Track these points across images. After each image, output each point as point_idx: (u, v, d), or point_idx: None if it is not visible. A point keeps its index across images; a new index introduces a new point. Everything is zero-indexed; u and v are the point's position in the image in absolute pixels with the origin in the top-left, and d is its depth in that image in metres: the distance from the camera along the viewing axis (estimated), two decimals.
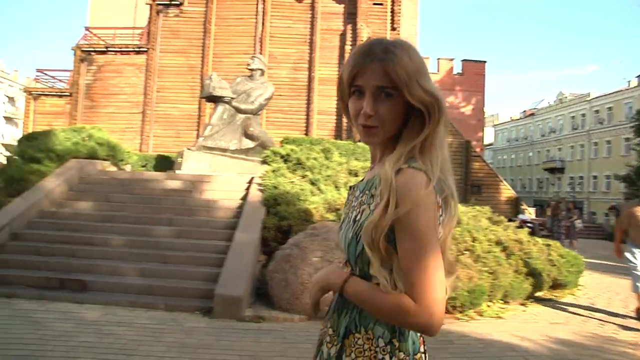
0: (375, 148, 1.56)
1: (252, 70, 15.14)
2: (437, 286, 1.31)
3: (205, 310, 6.76)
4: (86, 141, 11.75)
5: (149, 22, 30.20)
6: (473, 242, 8.63)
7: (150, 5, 29.74)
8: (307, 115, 26.59)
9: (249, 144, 14.66)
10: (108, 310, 6.66)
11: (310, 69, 27.11)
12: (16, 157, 10.93)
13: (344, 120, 25.58)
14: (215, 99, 14.52)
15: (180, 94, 29.49)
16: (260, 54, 28.95)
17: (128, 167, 12.96)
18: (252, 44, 28.60)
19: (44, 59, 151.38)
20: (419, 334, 1.47)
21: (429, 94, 1.40)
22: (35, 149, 10.99)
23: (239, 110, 14.42)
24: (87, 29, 31.92)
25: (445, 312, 6.96)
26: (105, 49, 30.44)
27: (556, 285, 9.27)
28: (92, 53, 30.50)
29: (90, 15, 39.78)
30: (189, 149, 13.98)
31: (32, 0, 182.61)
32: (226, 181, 10.96)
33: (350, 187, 1.61)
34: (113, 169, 12.13)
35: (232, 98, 14.30)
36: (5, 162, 12.47)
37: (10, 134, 69.16)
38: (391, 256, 1.37)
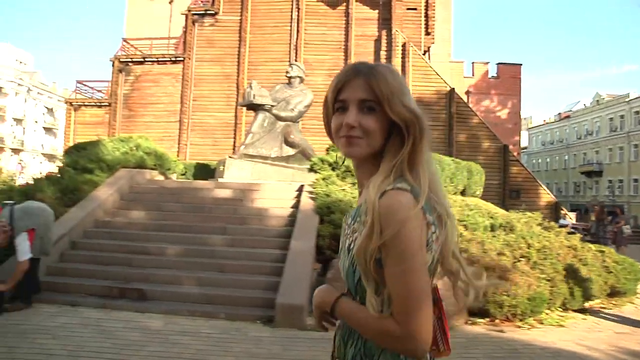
0: (361, 172, 1.53)
1: (290, 77, 15.17)
2: (422, 311, 1.30)
3: (266, 319, 6.75)
4: (134, 151, 11.90)
5: (185, 32, 30.54)
6: (528, 248, 8.49)
7: (186, 15, 30.08)
8: None
9: (290, 151, 14.71)
10: (169, 320, 6.70)
11: None
12: (68, 168, 11.11)
13: None
14: (255, 107, 14.57)
15: (216, 102, 29.76)
16: (296, 61, 29.12)
17: (174, 176, 13.08)
18: (287, 51, 28.72)
19: (81, 71, 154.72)
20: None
21: (409, 110, 1.41)
22: (86, 159, 11.16)
23: (279, 118, 14.46)
24: (124, 40, 32.42)
25: (505, 320, 6.77)
26: (142, 59, 30.89)
27: (614, 293, 9.02)
28: (130, 63, 30.98)
29: (127, 27, 40.40)
30: (230, 157, 14.08)
31: (69, 15, 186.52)
32: (275, 189, 10.98)
33: (345, 215, 1.58)
34: (160, 178, 12.25)
35: (272, 106, 14.35)
36: (55, 171, 12.61)
37: (49, 144, 70.71)
38: (384, 281, 1.35)
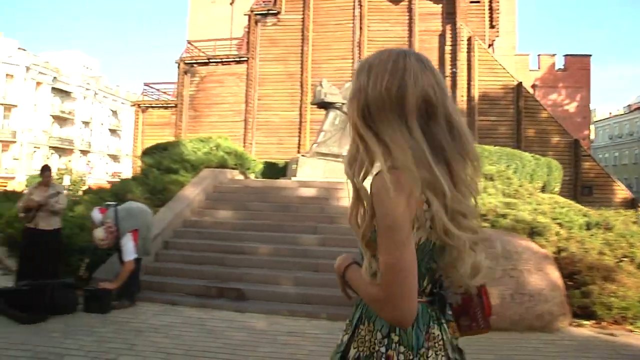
0: None
1: None
2: (404, 282, 1.34)
3: None
4: (215, 151, 12.05)
5: (248, 32, 30.83)
6: (631, 248, 8.13)
7: (249, 15, 30.35)
8: None
9: None
10: (271, 320, 6.71)
11: None
12: (152, 168, 11.34)
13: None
14: (326, 105, 14.54)
15: (280, 101, 29.93)
16: (359, 58, 29.00)
17: (252, 176, 13.18)
18: (350, 48, 28.64)
19: (146, 73, 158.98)
20: (423, 328, 1.48)
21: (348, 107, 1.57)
22: (169, 159, 11.38)
23: None
24: (189, 42, 33.01)
25: (614, 323, 6.46)
26: (207, 61, 31.38)
27: None
28: (195, 65, 31.51)
29: (190, 29, 41.10)
30: (303, 155, 14.09)
31: (133, 20, 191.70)
32: None
33: None
34: (240, 177, 12.37)
35: (342, 104, 14.28)
36: (117, 173, 12.91)
37: (114, 145, 72.92)
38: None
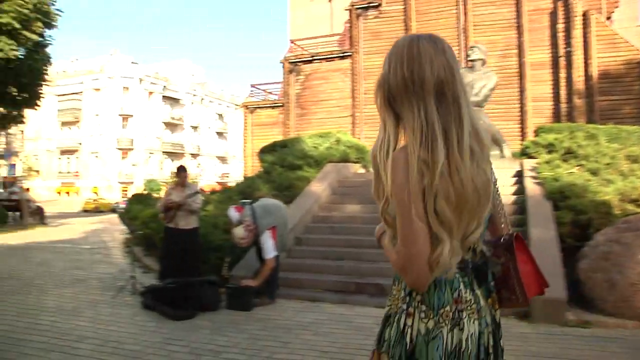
0: None
1: (472, 61, 14.52)
2: (411, 249, 1.45)
3: (521, 314, 6.26)
4: (335, 145, 11.94)
5: (350, 27, 30.69)
6: None
7: (350, 10, 30.20)
8: (521, 103, 25.16)
9: None
10: None
11: (520, 55, 25.57)
12: (275, 165, 11.39)
13: (563, 105, 23.81)
14: None
15: None
16: (465, 44, 28.05)
17: (371, 169, 12.99)
18: (456, 35, 27.76)
19: (250, 75, 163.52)
20: (449, 291, 1.55)
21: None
22: (293, 156, 11.38)
23: None
24: (292, 41, 33.36)
25: None
26: (310, 58, 31.58)
27: None
28: (299, 63, 31.81)
29: (290, 29, 41.51)
30: None
31: (233, 25, 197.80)
32: None
33: None
34: (362, 171, 12.20)
35: None
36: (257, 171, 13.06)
37: (221, 147, 75.41)
38: None
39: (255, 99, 34.54)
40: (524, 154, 10.91)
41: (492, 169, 1.61)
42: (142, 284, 7.54)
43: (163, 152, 64.94)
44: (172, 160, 65.61)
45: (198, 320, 6.19)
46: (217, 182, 68.90)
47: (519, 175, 9.72)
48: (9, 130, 54.53)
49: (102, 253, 12.07)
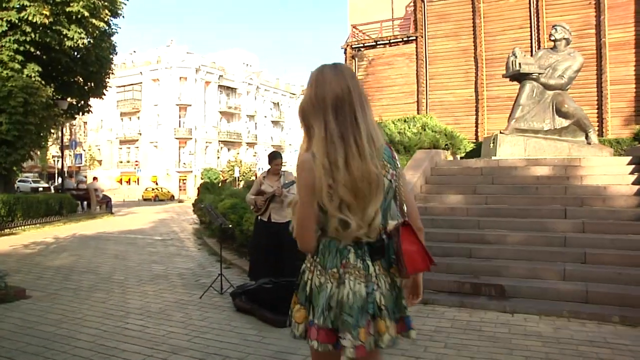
0: None
1: (555, 40, 13.29)
2: (300, 226, 2.05)
3: None
4: (422, 131, 10.99)
5: (414, 10, 29.47)
6: None
7: None
8: (599, 86, 23.55)
9: (563, 122, 12.82)
10: (552, 323, 5.45)
11: (598, 35, 23.90)
12: None
13: None
14: (519, 77, 13.04)
15: (454, 79, 28.31)
16: (538, 25, 26.52)
17: (457, 157, 11.95)
18: (527, 16, 26.25)
19: (304, 63, 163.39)
20: (338, 258, 2.05)
21: None
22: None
23: (547, 87, 12.73)
24: (353, 26, 32.29)
25: None
26: (374, 43, 30.53)
27: None
28: (362, 49, 30.83)
29: (350, 14, 40.35)
30: (502, 132, 12.63)
31: (289, 13, 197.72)
32: (599, 165, 9.33)
33: None
34: (451, 158, 11.21)
35: (539, 74, 12.64)
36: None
37: (277, 136, 75.19)
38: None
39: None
40: (637, 139, 9.74)
41: (397, 165, 2.15)
42: (231, 283, 6.81)
43: (220, 141, 65.02)
44: (229, 149, 65.69)
45: None
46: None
47: (637, 163, 8.56)
48: (73, 122, 55.65)
49: (175, 245, 11.47)
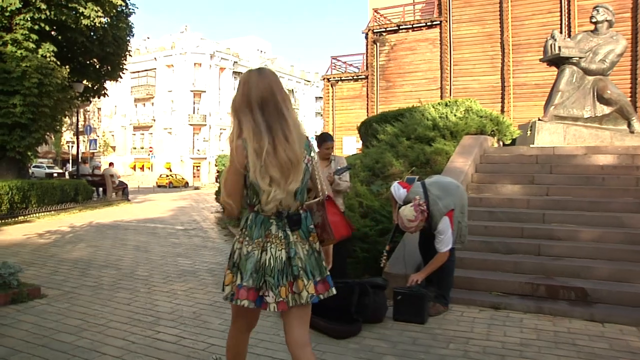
0: None
1: (597, 22, 12.30)
2: (225, 193, 2.48)
3: None
4: (468, 115, 10.11)
5: None
6: None
7: None
8: (633, 73, 22.64)
9: (605, 109, 11.90)
10: None
11: (634, 18, 23.06)
12: (402, 138, 9.63)
13: None
14: (558, 62, 12.14)
15: (479, 65, 27.30)
16: (569, 9, 25.45)
17: (500, 144, 11.04)
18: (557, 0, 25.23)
19: (319, 49, 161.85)
20: (262, 229, 2.45)
21: None
22: (424, 126, 9.61)
23: (588, 72, 11.81)
24: (375, 10, 31.23)
25: None
26: (396, 28, 29.51)
27: None
28: (384, 34, 29.82)
29: None
30: (540, 119, 11.75)
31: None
32: None
33: None
34: (495, 145, 10.32)
35: (580, 58, 11.72)
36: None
37: None
38: None
39: (338, 71, 32.74)
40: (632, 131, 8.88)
41: (312, 152, 2.59)
42: None
43: None
44: None
45: (366, 338, 4.54)
46: None
47: None
48: (87, 108, 55.07)
49: (199, 235, 10.64)
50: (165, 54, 62.30)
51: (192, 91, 59.22)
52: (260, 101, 2.40)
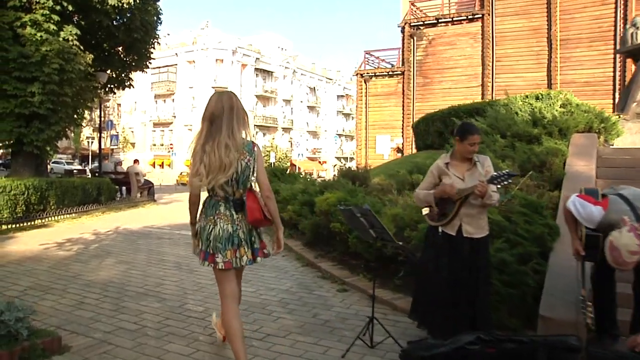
0: None
1: None
2: (189, 185, 3.41)
3: None
4: (561, 110, 8.37)
5: None
6: None
7: None
8: None
9: None
10: None
11: None
12: (496, 136, 7.90)
13: None
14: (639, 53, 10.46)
15: (523, 62, 25.42)
16: (625, 1, 23.53)
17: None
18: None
19: (342, 47, 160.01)
20: (214, 209, 3.38)
21: None
22: (525, 122, 7.89)
23: None
24: (411, 3, 29.41)
25: None
26: (435, 22, 27.71)
27: None
28: (421, 27, 28.04)
29: None
30: (624, 118, 10.03)
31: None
32: None
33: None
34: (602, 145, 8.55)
35: None
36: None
37: (313, 123, 72.72)
38: None
39: (367, 68, 31.00)
40: None
41: (253, 154, 3.38)
42: (387, 330, 4.26)
43: (255, 125, 62.70)
44: (264, 134, 63.42)
45: None
46: (308, 158, 66.34)
47: None
48: (106, 104, 53.68)
49: None
50: (186, 50, 60.98)
51: (213, 87, 57.62)
52: (212, 117, 3.33)
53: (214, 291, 5.58)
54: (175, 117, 61.04)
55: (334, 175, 21.67)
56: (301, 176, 12.31)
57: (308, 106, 72.05)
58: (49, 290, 5.59)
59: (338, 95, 79.36)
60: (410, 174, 7.88)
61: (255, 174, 3.40)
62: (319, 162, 69.34)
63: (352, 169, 12.53)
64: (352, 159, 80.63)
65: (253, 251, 3.39)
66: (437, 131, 13.08)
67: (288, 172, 12.32)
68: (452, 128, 11.13)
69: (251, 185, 3.41)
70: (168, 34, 67.38)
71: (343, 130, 79.40)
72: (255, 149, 3.39)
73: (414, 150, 19.33)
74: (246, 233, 3.37)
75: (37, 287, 5.65)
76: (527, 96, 9.53)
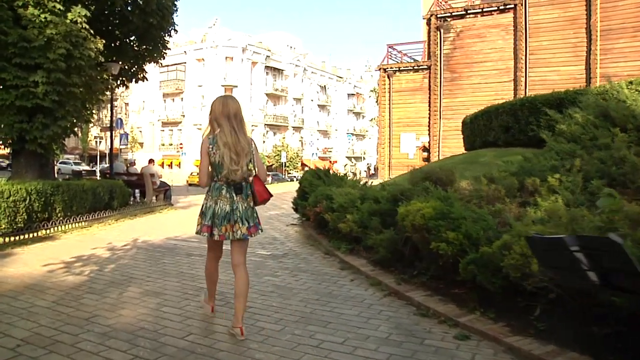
0: None
1: None
2: (200, 172, 4.23)
3: None
4: None
5: None
6: None
7: None
8: None
9: None
10: None
11: None
12: (615, 129, 6.20)
13: None
14: None
15: (559, 54, 23.71)
16: None
17: None
18: None
19: (353, 45, 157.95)
20: (217, 191, 4.14)
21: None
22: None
23: None
24: None
25: None
26: (463, 12, 25.98)
27: None
28: (449, 19, 26.32)
29: None
30: None
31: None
32: None
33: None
34: None
35: None
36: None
37: (324, 122, 71.06)
38: None
39: (393, 60, 29.26)
40: None
41: (253, 144, 4.25)
42: None
43: (266, 124, 61.07)
44: (275, 133, 61.79)
45: None
46: (319, 157, 64.63)
47: None
48: (114, 103, 52.01)
49: (302, 268, 6.90)
50: (195, 48, 59.46)
51: (223, 86, 56.06)
52: (232, 115, 4.12)
53: (291, 345, 3.86)
54: (184, 116, 59.50)
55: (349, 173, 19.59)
56: (348, 178, 10.57)
57: (319, 105, 70.47)
58: (53, 345, 3.87)
59: (349, 94, 77.70)
60: (513, 175, 6.14)
61: (252, 162, 4.24)
62: (330, 161, 67.76)
63: (415, 168, 10.76)
64: (363, 158, 79.11)
65: (248, 227, 4.13)
66: (503, 126, 11.31)
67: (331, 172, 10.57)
68: (526, 121, 9.33)
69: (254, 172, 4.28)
70: (176, 32, 65.91)
71: (354, 129, 77.76)
72: (253, 144, 4.27)
73: (462, 150, 17.38)
74: (242, 212, 4.11)
75: (35, 341, 3.93)
76: (631, 82, 7.82)
